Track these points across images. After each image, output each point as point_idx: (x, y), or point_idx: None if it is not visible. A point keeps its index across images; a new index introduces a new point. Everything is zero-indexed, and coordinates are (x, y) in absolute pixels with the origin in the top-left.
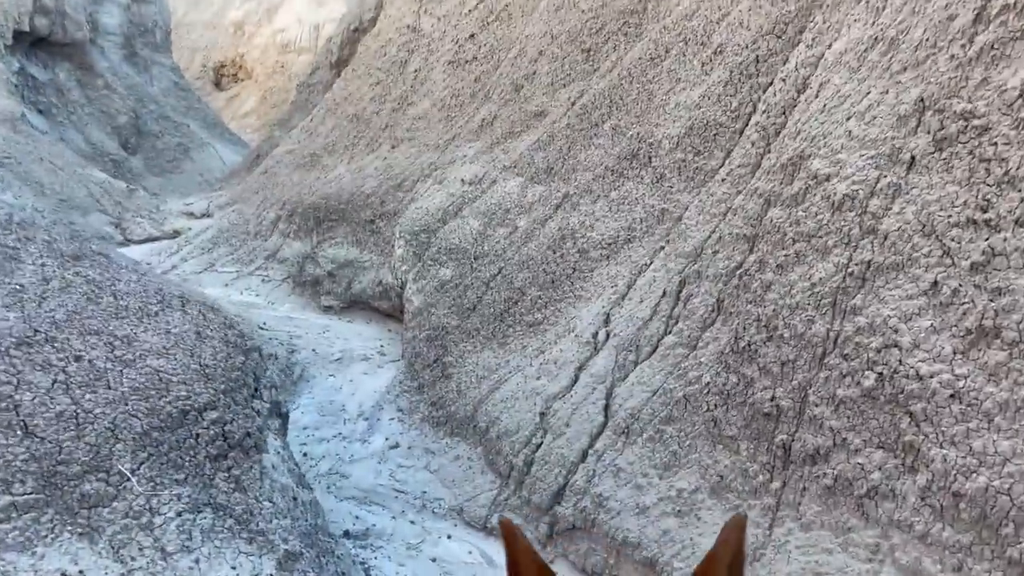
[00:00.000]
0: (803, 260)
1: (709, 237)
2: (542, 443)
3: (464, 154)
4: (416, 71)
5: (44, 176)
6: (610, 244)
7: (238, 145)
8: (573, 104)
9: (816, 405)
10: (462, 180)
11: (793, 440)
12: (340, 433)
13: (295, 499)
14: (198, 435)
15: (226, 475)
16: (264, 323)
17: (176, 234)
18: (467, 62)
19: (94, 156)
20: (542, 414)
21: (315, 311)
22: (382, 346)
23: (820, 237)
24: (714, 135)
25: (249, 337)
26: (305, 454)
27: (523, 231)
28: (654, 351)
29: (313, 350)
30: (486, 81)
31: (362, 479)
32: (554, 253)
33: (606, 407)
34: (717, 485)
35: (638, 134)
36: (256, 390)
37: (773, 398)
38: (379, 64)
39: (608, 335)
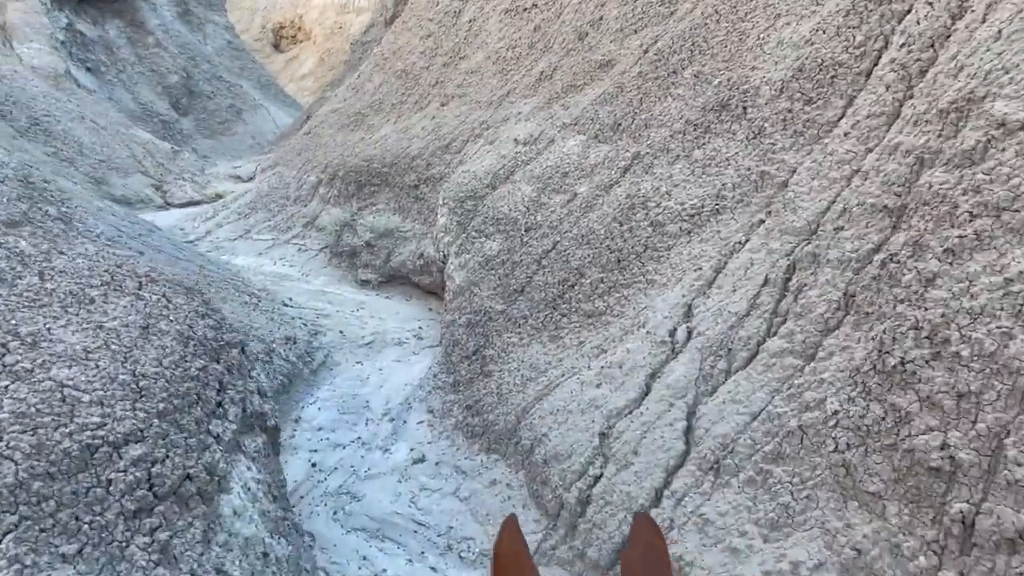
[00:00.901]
0: (989, 244)
1: (829, 209)
2: (601, 475)
3: (519, 111)
4: (470, 21)
5: (85, 135)
6: (692, 216)
7: (293, 107)
8: (646, 51)
9: (1019, 464)
10: (515, 140)
11: (978, 512)
12: (359, 438)
13: (265, 555)
14: (109, 483)
15: (147, 540)
16: (290, 299)
17: (218, 198)
18: (526, 10)
19: (143, 116)
20: (602, 435)
21: (351, 285)
22: (420, 328)
23: (1018, 211)
24: (831, 78)
25: (229, 330)
26: (314, 464)
27: (583, 199)
28: (753, 358)
29: (341, 332)
30: (546, 30)
31: (377, 503)
32: (621, 226)
33: (687, 431)
34: (852, 563)
35: (728, 80)
36: (219, 405)
37: (944, 446)
38: (430, 15)
39: (690, 333)
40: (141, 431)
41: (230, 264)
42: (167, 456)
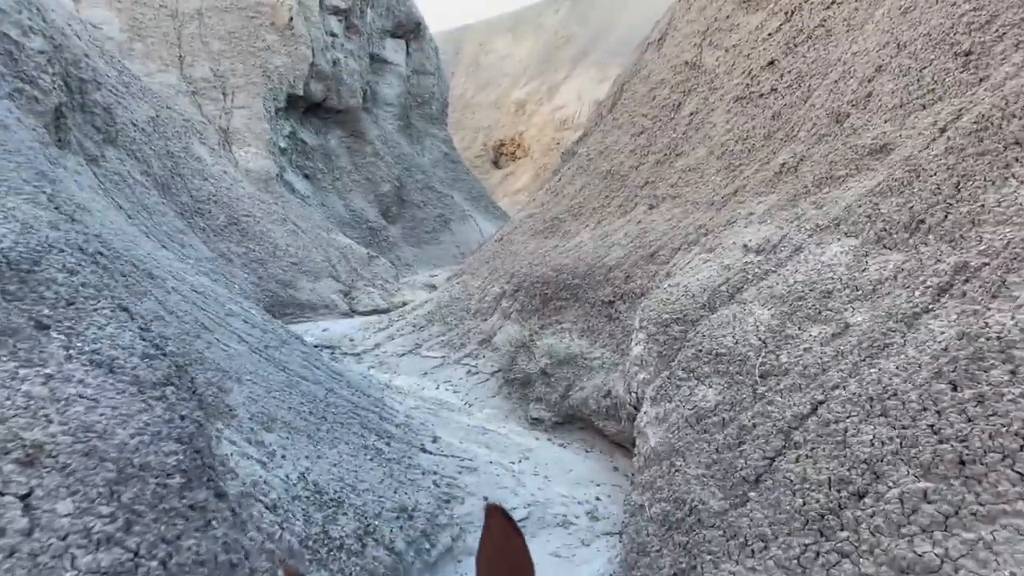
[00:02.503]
0: None
1: None
2: None
3: (750, 211)
4: (691, 115)
5: (282, 237)
6: None
7: (502, 219)
8: (943, 130)
9: None
10: (744, 246)
11: None
12: None
13: None
14: None
15: None
16: (437, 438)
17: (403, 305)
18: (762, 96)
19: (352, 222)
20: None
21: (519, 423)
22: (597, 501)
23: None
24: None
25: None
26: None
27: (864, 334)
28: None
29: (485, 498)
30: (789, 116)
31: None
32: (956, 392)
33: None
34: None
35: None
36: None
37: None
38: (645, 110)
39: None
40: None
41: (380, 387)
42: None
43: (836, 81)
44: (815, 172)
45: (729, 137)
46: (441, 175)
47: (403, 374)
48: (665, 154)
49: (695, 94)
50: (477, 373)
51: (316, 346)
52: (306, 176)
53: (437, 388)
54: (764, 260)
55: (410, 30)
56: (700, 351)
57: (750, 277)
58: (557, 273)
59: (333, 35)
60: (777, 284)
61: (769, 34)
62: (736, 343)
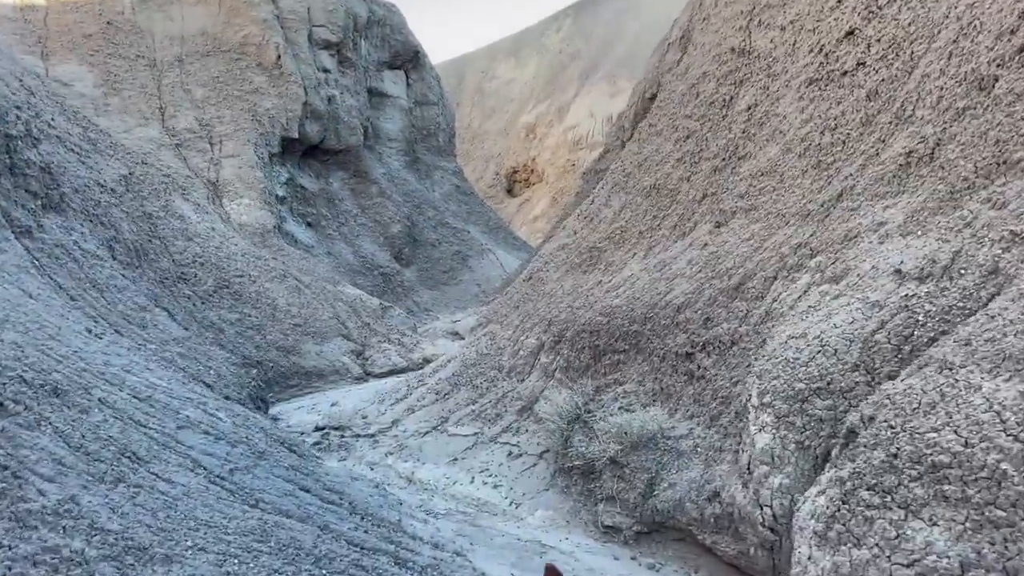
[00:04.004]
0: None
1: None
2: None
3: (878, 221)
4: (749, 108)
5: (282, 296)
6: None
7: (523, 250)
8: None
9: None
10: (897, 271)
11: None
12: None
13: None
14: None
15: None
16: (482, 573)
17: (425, 364)
18: (845, 74)
19: (362, 270)
20: None
21: (588, 530)
22: None
23: None
24: None
25: None
26: None
27: None
28: None
29: None
30: (892, 94)
31: None
32: None
33: None
34: None
35: None
36: None
37: None
38: (689, 111)
39: None
40: None
41: (396, 503)
42: None
43: (954, 41)
44: (973, 159)
45: (809, 129)
46: (454, 209)
47: (428, 461)
48: (723, 159)
49: (750, 84)
50: (521, 455)
51: (323, 429)
52: (309, 224)
53: (472, 481)
54: (940, 291)
55: (408, 59)
56: (895, 455)
57: (929, 320)
58: (608, 318)
59: (326, 71)
60: (994, 331)
61: (838, 1)
62: (966, 445)
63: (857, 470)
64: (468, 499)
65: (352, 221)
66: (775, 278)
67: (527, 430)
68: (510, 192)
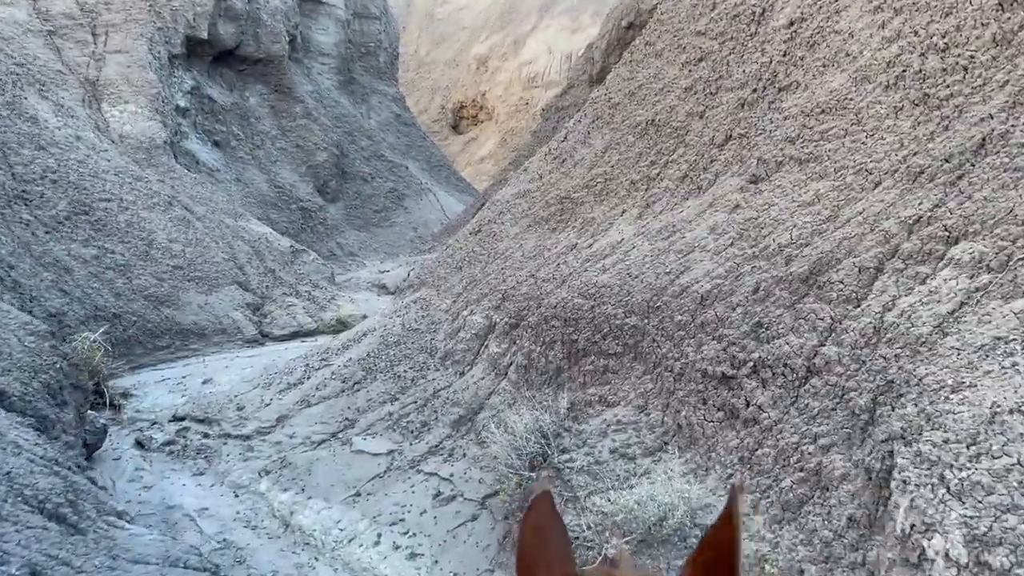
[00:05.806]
0: None
1: None
2: None
3: None
4: (793, 24)
5: (163, 228)
6: None
7: (467, 193)
8: None
9: None
10: None
11: None
12: None
13: None
14: None
15: None
16: None
17: (340, 327)
18: None
19: (277, 202)
20: None
21: None
22: None
23: None
24: None
25: None
26: None
27: None
28: None
29: None
30: None
31: None
32: None
33: None
34: None
35: None
36: None
37: None
38: (700, 26)
39: None
40: None
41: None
42: None
43: None
44: None
45: (897, 49)
46: (392, 141)
47: (318, 494)
48: (755, 90)
49: None
50: (454, 498)
51: (182, 420)
52: (216, 144)
53: (378, 542)
54: None
55: None
56: None
57: None
58: (591, 302)
59: None
60: None
61: None
62: None
63: None
64: None
65: (269, 144)
66: (879, 269)
67: (465, 454)
68: (456, 129)
